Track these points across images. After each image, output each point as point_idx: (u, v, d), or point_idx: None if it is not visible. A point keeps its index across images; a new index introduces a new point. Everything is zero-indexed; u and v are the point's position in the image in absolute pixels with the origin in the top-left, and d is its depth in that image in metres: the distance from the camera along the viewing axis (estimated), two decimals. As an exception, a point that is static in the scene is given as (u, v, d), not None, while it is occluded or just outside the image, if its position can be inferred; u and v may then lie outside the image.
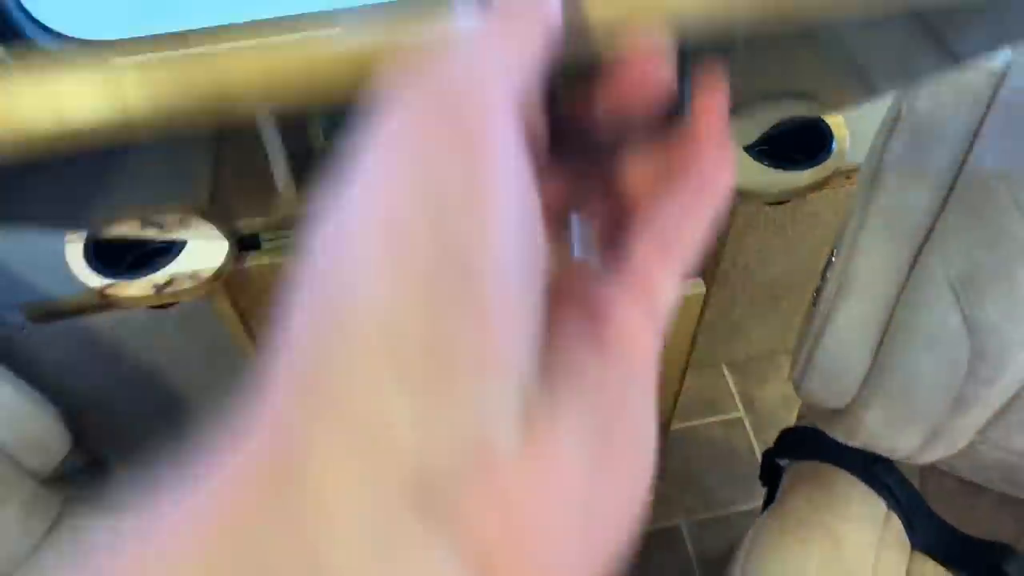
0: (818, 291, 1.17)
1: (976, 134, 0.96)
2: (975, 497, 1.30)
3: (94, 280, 1.10)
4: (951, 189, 1.00)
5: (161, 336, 1.55)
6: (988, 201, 0.96)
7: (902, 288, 1.08)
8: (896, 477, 1.30)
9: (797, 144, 1.26)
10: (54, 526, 1.24)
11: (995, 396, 1.06)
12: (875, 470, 1.29)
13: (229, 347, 1.63)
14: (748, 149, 1.24)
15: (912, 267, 1.07)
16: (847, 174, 1.62)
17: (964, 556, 1.24)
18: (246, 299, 1.22)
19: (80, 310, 1.46)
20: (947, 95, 0.97)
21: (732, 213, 1.48)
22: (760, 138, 1.25)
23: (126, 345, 1.56)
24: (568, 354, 0.27)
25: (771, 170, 1.23)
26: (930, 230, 1.04)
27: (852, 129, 1.27)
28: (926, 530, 1.26)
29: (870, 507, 1.26)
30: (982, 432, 1.14)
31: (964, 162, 0.98)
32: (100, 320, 1.49)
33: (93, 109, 0.36)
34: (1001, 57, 0.94)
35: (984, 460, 1.18)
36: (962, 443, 1.16)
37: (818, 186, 1.23)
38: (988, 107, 0.95)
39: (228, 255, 1.13)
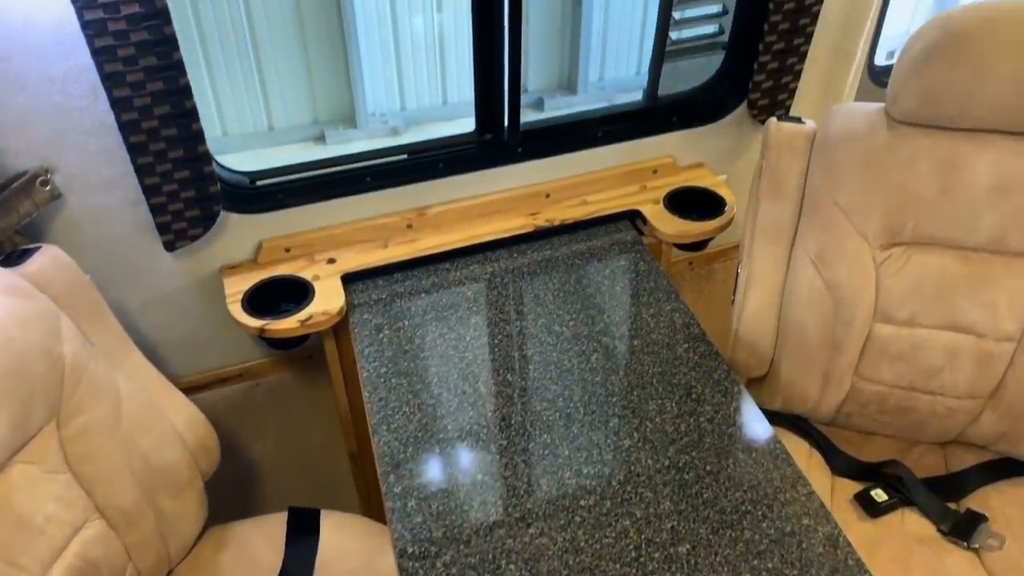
0: (735, 291, 1.76)
1: (808, 168, 1.62)
2: (867, 441, 1.83)
3: (254, 322, 1.59)
4: (801, 204, 1.64)
5: (251, 410, 1.97)
6: (821, 206, 1.60)
7: (785, 274, 1.68)
8: (812, 428, 1.82)
9: (700, 208, 1.90)
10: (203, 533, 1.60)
11: (855, 335, 1.63)
12: (798, 423, 1.82)
13: (301, 427, 2.05)
14: (669, 209, 1.87)
15: (789, 259, 1.67)
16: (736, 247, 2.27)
17: (868, 473, 1.75)
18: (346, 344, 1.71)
19: (193, 387, 1.89)
20: (786, 150, 1.62)
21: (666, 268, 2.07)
22: (673, 202, 1.88)
23: (221, 420, 1.97)
24: None
25: (688, 222, 1.86)
26: (795, 232, 1.66)
27: (736, 195, 1.92)
28: (839, 461, 1.77)
29: (797, 445, 1.78)
30: (857, 371, 1.70)
31: (805, 185, 1.63)
32: (207, 396, 1.92)
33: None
34: (809, 123, 1.62)
35: (865, 396, 1.73)
36: (846, 383, 1.71)
37: (721, 229, 1.86)
38: (810, 151, 1.61)
39: (344, 298, 1.64)
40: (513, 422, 1.42)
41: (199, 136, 1.50)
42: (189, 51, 3.79)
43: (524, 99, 4.67)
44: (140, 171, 1.49)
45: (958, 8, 1.46)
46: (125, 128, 1.43)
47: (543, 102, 4.53)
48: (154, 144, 1.46)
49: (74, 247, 1.54)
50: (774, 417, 1.82)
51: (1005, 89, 1.40)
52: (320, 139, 4.27)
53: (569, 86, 4.58)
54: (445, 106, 4.39)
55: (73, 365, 1.31)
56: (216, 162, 1.65)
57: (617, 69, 4.60)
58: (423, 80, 4.32)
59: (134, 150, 1.46)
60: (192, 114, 1.47)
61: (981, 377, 1.61)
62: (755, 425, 1.43)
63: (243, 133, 4.16)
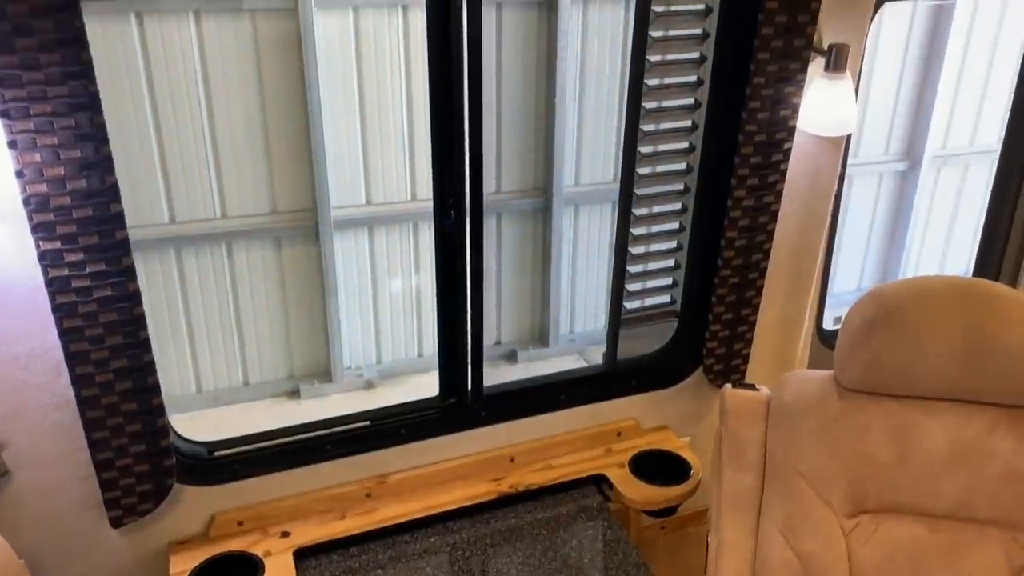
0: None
1: (765, 436, 1.63)
2: None
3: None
4: (764, 470, 1.63)
5: None
6: (784, 474, 1.59)
7: (755, 543, 1.63)
8: None
9: (666, 471, 1.88)
10: None
11: (834, 611, 1.55)
12: None
13: None
14: (634, 473, 1.84)
15: (757, 528, 1.63)
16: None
17: None
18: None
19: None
20: (744, 416, 1.64)
21: (636, 535, 2.00)
22: (638, 466, 1.87)
23: None
24: None
25: (654, 487, 1.83)
26: (760, 500, 1.63)
27: (700, 459, 1.92)
28: None
29: None
30: (841, 651, 1.59)
31: (765, 454, 1.63)
32: None
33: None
34: (764, 389, 1.66)
35: None
36: (832, 663, 1.60)
37: (688, 495, 1.83)
38: (767, 419, 1.63)
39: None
40: None
41: (159, 410, 1.50)
42: (172, 309, 3.91)
43: (497, 351, 4.75)
44: (94, 446, 1.47)
45: (891, 284, 1.56)
46: (84, 404, 1.43)
47: (516, 354, 4.63)
48: (112, 419, 1.46)
49: (14, 523, 1.48)
50: None
51: (942, 360, 1.45)
52: (294, 394, 4.28)
53: (541, 338, 4.71)
54: (421, 358, 4.46)
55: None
56: (174, 432, 1.63)
57: (587, 322, 4.76)
58: (400, 334, 4.43)
59: (90, 426, 1.45)
60: (154, 390, 1.48)
61: (972, 656, 1.51)
62: None
63: (217, 388, 4.17)
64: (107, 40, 3.43)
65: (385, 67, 3.91)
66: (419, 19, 3.84)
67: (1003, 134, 2.30)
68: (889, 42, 4.31)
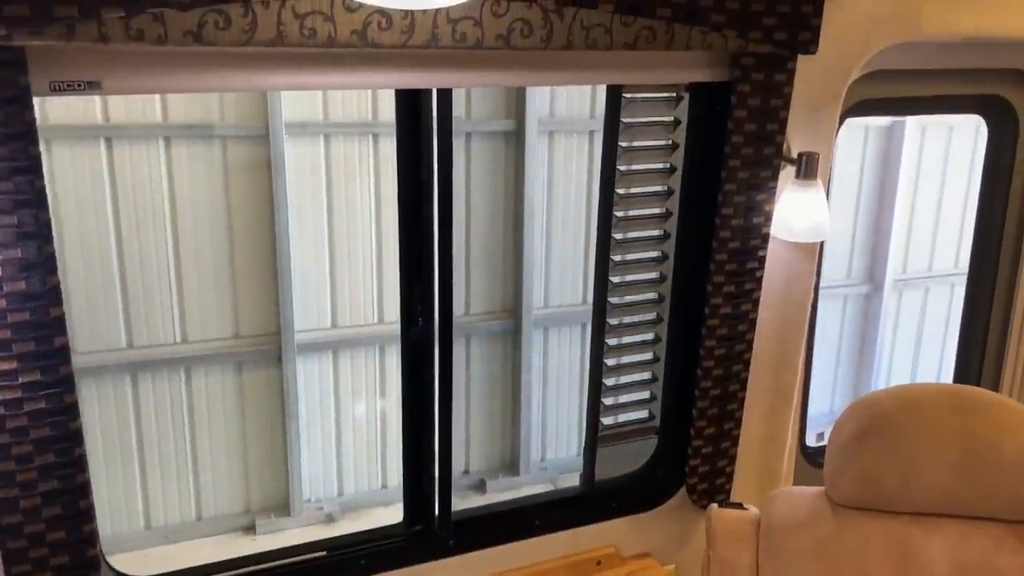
0: None
1: (757, 560, 1.51)
2: None
3: None
4: (753, 600, 1.50)
5: None
6: (779, 600, 1.46)
7: None
8: None
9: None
10: None
11: None
12: None
13: None
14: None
15: (754, 666, 1.48)
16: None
17: None
18: None
19: None
20: (732, 539, 1.53)
21: None
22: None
23: None
24: None
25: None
26: (756, 632, 1.49)
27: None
28: None
29: None
30: None
31: (758, 578, 1.50)
32: None
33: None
34: (752, 509, 1.55)
35: None
36: None
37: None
38: (757, 541, 1.52)
39: None
40: None
41: (90, 538, 1.35)
42: (123, 438, 3.72)
43: (466, 481, 4.57)
44: (12, 584, 1.31)
45: (878, 392, 1.50)
46: (4, 533, 1.28)
47: (485, 484, 4.45)
48: (36, 550, 1.30)
49: None
50: None
51: (938, 471, 1.38)
52: (250, 529, 4.03)
53: (511, 466, 4.55)
54: (385, 490, 4.26)
55: None
56: (107, 564, 1.47)
57: (558, 449, 4.62)
58: (363, 463, 4.25)
59: (10, 558, 1.29)
60: (87, 514, 1.34)
61: None
62: None
63: (168, 524, 3.92)
64: (75, 162, 3.42)
65: (355, 192, 3.94)
66: (389, 145, 3.90)
67: (971, 248, 2.32)
68: (844, 169, 4.46)
